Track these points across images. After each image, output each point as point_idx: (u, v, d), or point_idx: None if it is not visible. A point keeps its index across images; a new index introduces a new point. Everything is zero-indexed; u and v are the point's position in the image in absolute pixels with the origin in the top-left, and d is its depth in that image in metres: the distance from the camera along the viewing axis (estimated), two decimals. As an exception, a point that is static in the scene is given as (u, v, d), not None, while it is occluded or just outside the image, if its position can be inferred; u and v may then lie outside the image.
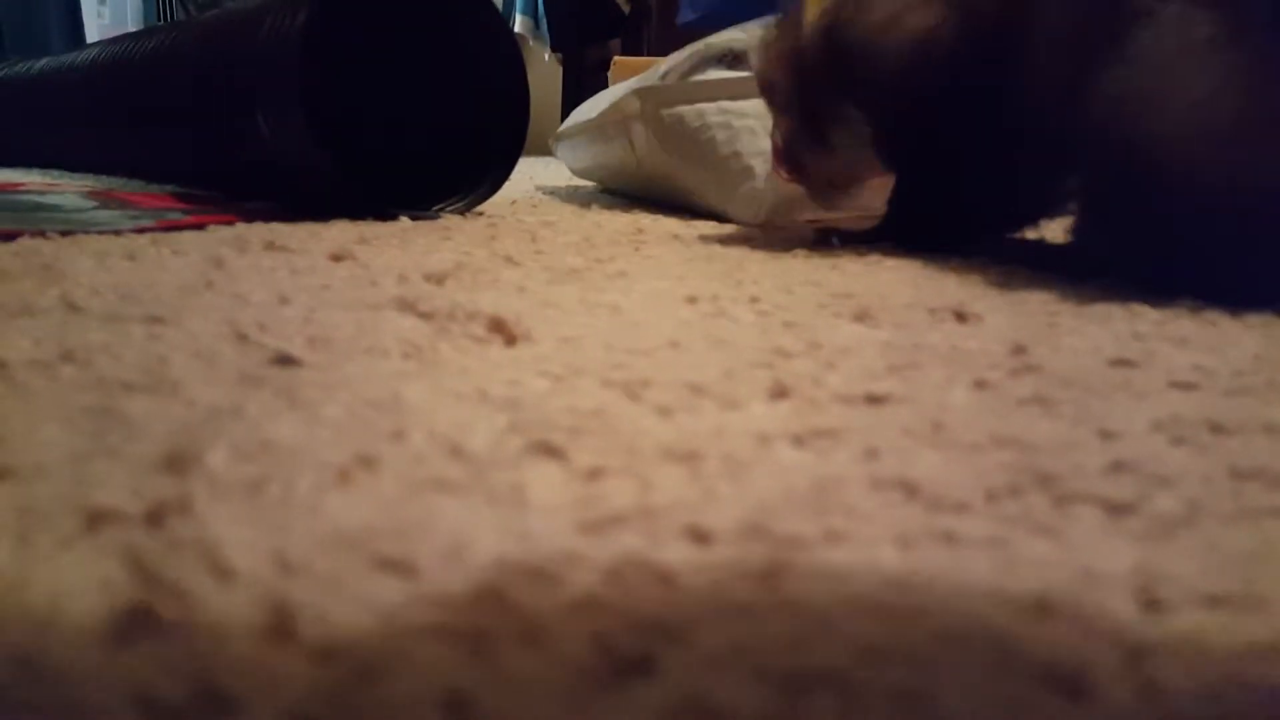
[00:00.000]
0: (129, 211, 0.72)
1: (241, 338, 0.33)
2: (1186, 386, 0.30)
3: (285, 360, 0.30)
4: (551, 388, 0.28)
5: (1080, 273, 0.47)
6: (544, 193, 1.06)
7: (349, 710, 0.14)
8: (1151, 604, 0.17)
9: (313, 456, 0.22)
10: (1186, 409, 0.27)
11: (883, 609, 0.16)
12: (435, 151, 0.79)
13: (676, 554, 0.18)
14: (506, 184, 0.80)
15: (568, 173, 1.21)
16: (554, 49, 2.62)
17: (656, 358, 0.32)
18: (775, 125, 0.63)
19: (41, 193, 0.85)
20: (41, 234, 0.55)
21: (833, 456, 0.23)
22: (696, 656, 0.15)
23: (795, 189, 0.66)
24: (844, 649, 0.15)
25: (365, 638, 0.15)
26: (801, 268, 0.52)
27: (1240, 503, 0.21)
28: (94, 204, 0.77)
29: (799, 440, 0.24)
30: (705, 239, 0.65)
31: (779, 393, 0.28)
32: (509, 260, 0.52)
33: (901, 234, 0.59)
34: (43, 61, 1.16)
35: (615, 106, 0.87)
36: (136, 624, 0.15)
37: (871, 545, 0.19)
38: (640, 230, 0.69)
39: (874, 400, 0.27)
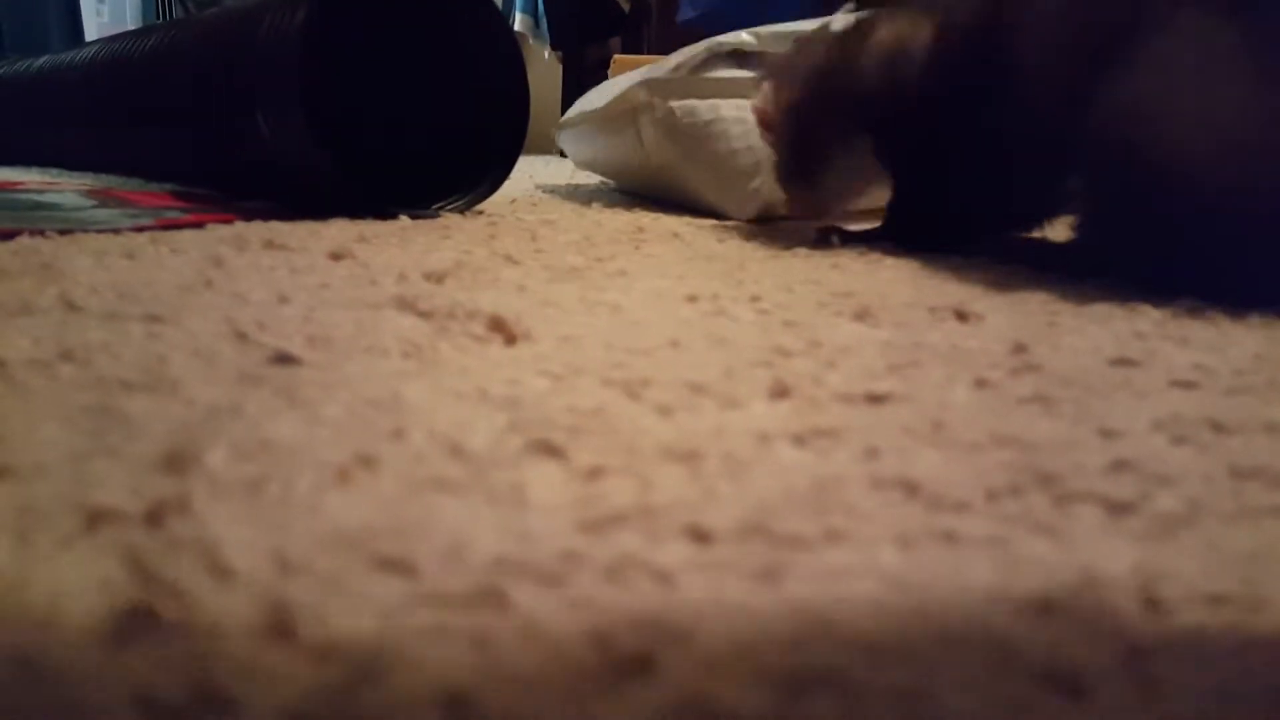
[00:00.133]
0: (128, 210, 0.72)
1: (241, 337, 0.33)
2: (1187, 386, 0.30)
3: (284, 359, 0.30)
4: (551, 387, 0.28)
5: (1081, 272, 0.47)
6: (544, 191, 1.06)
7: (349, 710, 0.14)
8: (1152, 603, 0.17)
9: (312, 456, 0.22)
10: (1187, 408, 0.27)
11: (883, 609, 0.16)
12: (435, 150, 0.79)
13: (676, 554, 0.18)
14: (506, 182, 0.80)
15: (568, 171, 1.21)
16: (554, 47, 2.62)
17: (657, 357, 0.32)
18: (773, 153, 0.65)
19: (40, 191, 0.85)
20: (40, 233, 0.55)
21: (833, 456, 0.23)
22: (696, 656, 0.15)
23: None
24: (844, 649, 0.15)
25: (365, 638, 0.15)
26: (802, 267, 0.52)
27: (1241, 502, 0.21)
28: (93, 202, 0.76)
29: (799, 439, 0.24)
30: (706, 238, 0.65)
31: (779, 392, 0.28)
32: (509, 259, 0.52)
33: (901, 234, 0.59)
34: (42, 60, 1.16)
35: (623, 97, 0.87)
36: (136, 624, 0.15)
37: (871, 545, 0.19)
38: (640, 229, 0.69)
39: (874, 399, 0.27)
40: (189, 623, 0.15)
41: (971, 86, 0.52)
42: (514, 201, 0.90)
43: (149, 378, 0.28)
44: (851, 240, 0.61)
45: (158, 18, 2.66)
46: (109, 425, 0.24)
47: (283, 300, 0.39)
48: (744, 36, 0.84)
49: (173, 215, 0.69)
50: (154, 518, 0.19)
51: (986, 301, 0.42)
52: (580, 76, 2.43)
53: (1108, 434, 0.25)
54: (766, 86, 0.64)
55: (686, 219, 0.77)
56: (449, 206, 0.76)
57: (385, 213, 0.70)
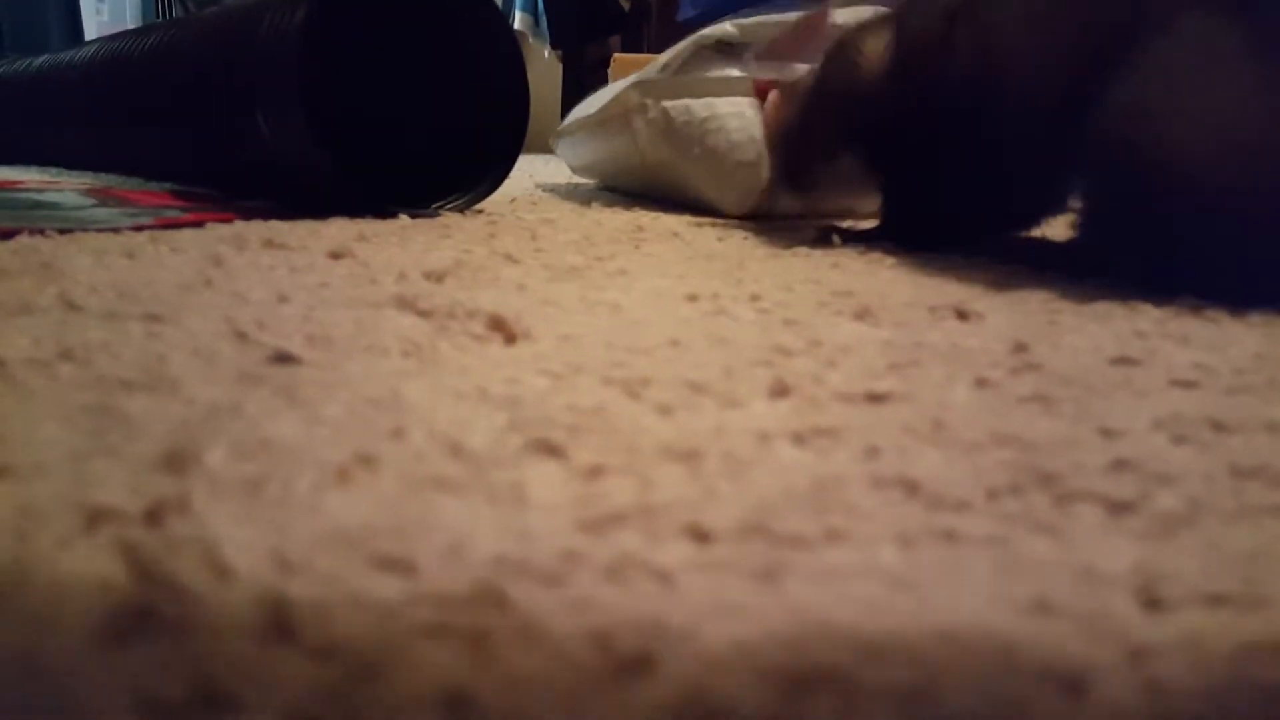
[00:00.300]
0: (127, 209, 0.72)
1: (240, 336, 0.33)
2: (1188, 385, 0.30)
3: (284, 358, 0.30)
4: (551, 386, 0.28)
5: (1081, 272, 0.47)
6: (544, 190, 1.06)
7: (349, 710, 0.14)
8: (1152, 603, 0.17)
9: (312, 455, 0.22)
10: (1188, 407, 0.27)
11: (883, 609, 0.16)
12: (435, 150, 0.79)
13: (676, 553, 0.18)
14: (506, 181, 0.80)
15: (568, 170, 1.21)
16: (554, 46, 2.62)
17: (656, 356, 0.32)
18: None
19: (40, 190, 0.85)
20: (40, 232, 0.55)
21: (833, 455, 0.23)
22: (696, 656, 0.15)
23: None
24: (844, 649, 0.15)
25: (365, 637, 0.15)
26: (802, 266, 0.52)
27: (1241, 501, 0.21)
28: (92, 202, 0.76)
29: (799, 439, 0.24)
30: (706, 237, 0.65)
31: (779, 391, 0.28)
32: (509, 258, 0.52)
33: (901, 234, 0.59)
34: (41, 59, 1.16)
35: (616, 100, 0.87)
36: (136, 623, 0.15)
37: (872, 544, 0.19)
38: (640, 228, 0.69)
39: (874, 398, 0.27)
40: (189, 622, 0.15)
41: (947, 91, 0.52)
42: (514, 200, 0.90)
43: (149, 377, 0.28)
44: (851, 240, 0.61)
45: (157, 17, 2.66)
46: (109, 425, 0.24)
47: (282, 299, 0.39)
48: (727, 28, 0.84)
49: (172, 214, 0.69)
50: (154, 517, 0.19)
51: (987, 301, 0.42)
52: (580, 75, 2.43)
53: (1108, 433, 0.25)
54: (772, 94, 0.65)
55: (686, 218, 0.77)
56: (449, 206, 0.76)
57: (385, 212, 0.70)
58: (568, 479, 0.21)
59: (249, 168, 0.78)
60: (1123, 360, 0.32)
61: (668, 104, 0.80)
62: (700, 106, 0.79)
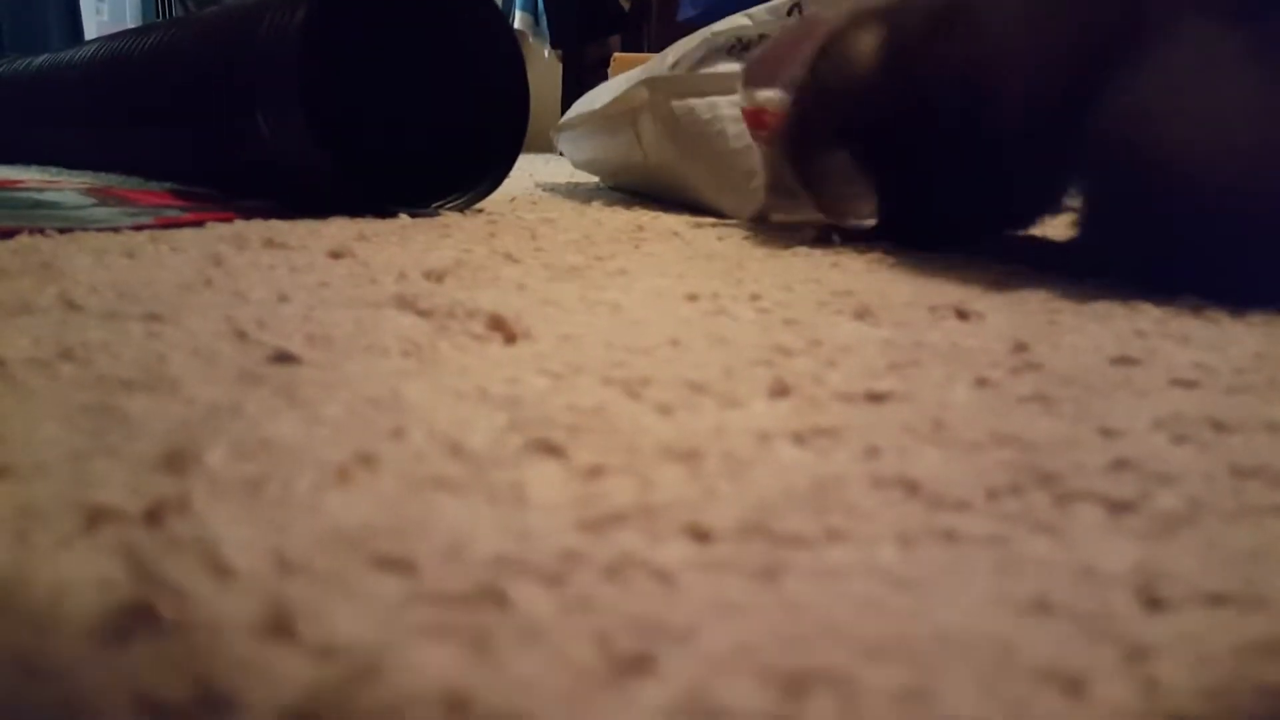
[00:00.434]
0: (127, 209, 0.72)
1: (240, 335, 0.33)
2: (1188, 384, 0.30)
3: (284, 358, 0.30)
4: (551, 386, 0.28)
5: (1081, 271, 0.47)
6: (544, 190, 1.06)
7: (349, 710, 0.14)
8: (1152, 603, 0.17)
9: (312, 455, 0.22)
10: (1188, 407, 0.27)
11: (883, 609, 0.16)
12: (435, 149, 0.79)
13: (676, 553, 0.18)
14: (506, 181, 0.79)
15: (568, 170, 1.21)
16: (554, 46, 2.62)
17: (656, 356, 0.32)
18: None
19: (40, 190, 0.85)
20: (40, 231, 0.55)
21: (833, 455, 0.23)
22: (696, 656, 0.15)
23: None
24: (844, 649, 0.15)
25: (365, 637, 0.15)
26: (802, 265, 0.52)
27: (1242, 501, 0.21)
28: (92, 201, 0.76)
29: (799, 438, 0.24)
30: (706, 236, 0.65)
31: (779, 391, 0.28)
32: (509, 258, 0.52)
33: (900, 233, 0.59)
34: (41, 58, 1.16)
35: (622, 97, 0.86)
36: (135, 623, 0.15)
37: (872, 544, 0.19)
38: (640, 228, 0.69)
39: (874, 398, 0.27)
40: (189, 622, 0.15)
41: (943, 90, 0.52)
42: (514, 200, 0.90)
43: (149, 377, 0.28)
44: (851, 239, 0.61)
45: (157, 16, 2.65)
46: (109, 424, 0.24)
47: (282, 299, 0.39)
48: (740, 20, 0.83)
49: (172, 214, 0.69)
50: (154, 517, 0.19)
51: (987, 300, 0.42)
52: (580, 75, 2.43)
53: (1108, 433, 0.25)
54: (758, 94, 0.64)
55: (686, 218, 0.77)
56: (449, 205, 0.76)
57: (385, 211, 0.70)
58: (568, 479, 0.21)
59: (249, 167, 0.78)
60: (1123, 360, 0.32)
61: (676, 103, 0.80)
62: (704, 107, 0.78)
